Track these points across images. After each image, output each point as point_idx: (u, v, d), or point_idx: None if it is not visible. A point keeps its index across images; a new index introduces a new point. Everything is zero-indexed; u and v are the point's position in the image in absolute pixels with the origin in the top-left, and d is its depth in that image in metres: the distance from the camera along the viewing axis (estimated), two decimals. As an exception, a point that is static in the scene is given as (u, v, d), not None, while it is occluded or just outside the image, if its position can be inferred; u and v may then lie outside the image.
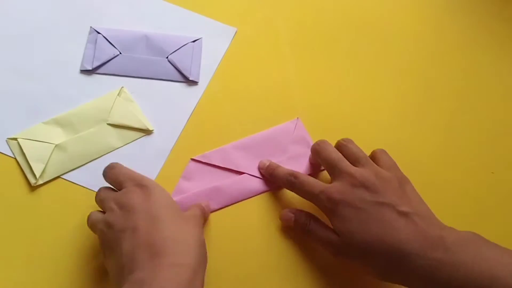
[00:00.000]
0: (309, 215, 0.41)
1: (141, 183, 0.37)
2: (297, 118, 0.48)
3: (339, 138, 0.43)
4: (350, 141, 0.42)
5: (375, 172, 0.39)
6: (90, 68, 0.48)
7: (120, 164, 0.40)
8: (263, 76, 0.50)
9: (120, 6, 0.51)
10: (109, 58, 0.48)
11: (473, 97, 0.51)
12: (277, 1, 0.54)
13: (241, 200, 0.44)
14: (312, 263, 0.42)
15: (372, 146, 0.43)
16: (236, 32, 0.52)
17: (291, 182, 0.41)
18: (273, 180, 0.44)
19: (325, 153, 0.41)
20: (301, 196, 0.41)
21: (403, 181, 0.39)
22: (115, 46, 0.49)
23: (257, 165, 0.45)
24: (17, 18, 0.50)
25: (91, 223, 0.38)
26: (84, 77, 0.48)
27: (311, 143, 0.46)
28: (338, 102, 0.49)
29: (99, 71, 0.48)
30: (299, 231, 0.42)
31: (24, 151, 0.44)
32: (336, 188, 0.38)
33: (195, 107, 0.48)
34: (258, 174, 0.45)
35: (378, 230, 0.36)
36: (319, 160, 0.42)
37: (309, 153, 0.46)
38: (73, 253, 0.41)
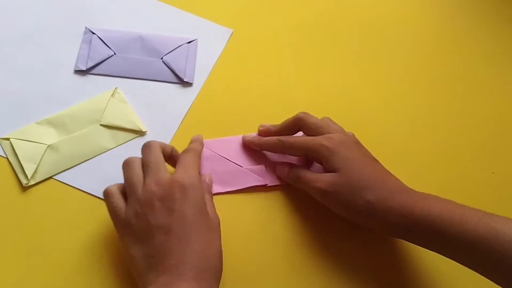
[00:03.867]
0: (301, 168, 0.43)
1: (181, 181, 0.37)
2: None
3: None
4: (306, 113, 0.43)
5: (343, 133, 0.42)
6: (84, 69, 0.48)
7: (158, 146, 0.40)
8: (260, 77, 0.50)
9: (115, 7, 0.51)
10: (104, 58, 0.48)
11: (473, 97, 0.51)
12: (275, 3, 0.54)
13: (236, 190, 0.44)
14: (312, 262, 0.42)
15: (372, 146, 0.43)
16: (232, 34, 0.51)
17: (281, 142, 0.42)
18: (265, 148, 0.45)
19: (312, 119, 0.42)
20: (295, 153, 0.43)
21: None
22: (110, 46, 0.49)
23: (253, 159, 0.45)
24: (12, 18, 0.50)
25: (111, 202, 0.38)
26: (78, 78, 0.48)
27: None
28: (337, 102, 0.49)
29: (93, 71, 0.48)
30: (292, 181, 0.43)
31: (16, 151, 0.44)
32: (332, 136, 0.40)
33: (189, 108, 0.47)
34: (254, 169, 0.45)
35: (373, 172, 0.39)
36: (303, 128, 0.43)
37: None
38: (65, 254, 0.41)
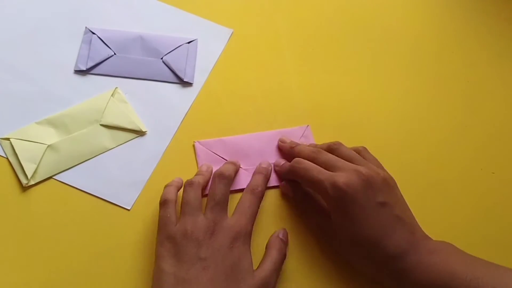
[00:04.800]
0: (306, 195, 0.42)
1: (236, 230, 0.38)
2: (307, 125, 0.47)
3: (339, 139, 0.43)
4: (341, 144, 0.42)
5: (375, 171, 0.39)
6: (84, 69, 0.48)
7: (231, 181, 0.41)
8: (260, 77, 0.50)
9: (115, 7, 0.51)
10: (104, 58, 0.48)
11: (473, 97, 0.51)
12: (275, 2, 0.54)
13: (236, 190, 0.44)
14: (313, 262, 0.42)
15: (372, 146, 0.43)
16: (232, 34, 0.51)
17: (294, 168, 0.41)
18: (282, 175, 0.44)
19: (323, 157, 0.40)
20: (303, 182, 0.41)
21: (393, 182, 0.40)
22: (110, 46, 0.49)
23: (252, 159, 0.45)
24: (12, 18, 0.50)
25: (165, 211, 0.39)
26: (78, 78, 0.48)
27: None
28: (337, 102, 0.49)
29: (93, 71, 0.48)
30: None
31: (16, 151, 0.44)
32: (342, 177, 0.37)
33: (189, 108, 0.47)
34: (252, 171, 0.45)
35: (372, 231, 0.36)
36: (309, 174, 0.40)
37: None
38: (65, 254, 0.41)
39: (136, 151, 0.45)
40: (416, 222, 0.39)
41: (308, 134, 0.47)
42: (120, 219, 0.42)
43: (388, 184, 0.38)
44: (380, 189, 0.37)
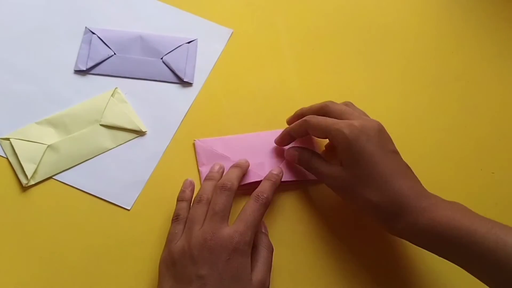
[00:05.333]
0: (312, 152, 0.43)
1: (235, 243, 0.36)
2: None
3: None
4: (353, 104, 0.43)
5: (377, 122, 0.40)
6: (84, 69, 0.48)
7: (233, 193, 0.40)
8: (260, 77, 0.50)
9: (115, 7, 0.51)
10: (104, 58, 0.48)
11: (473, 97, 0.51)
12: (275, 2, 0.54)
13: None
14: (314, 258, 0.42)
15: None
16: (232, 34, 0.51)
17: (306, 123, 0.41)
18: (292, 133, 0.44)
19: (337, 106, 0.41)
20: (317, 135, 0.41)
21: None
22: (110, 46, 0.49)
23: (253, 157, 0.45)
24: (12, 18, 0.50)
25: (174, 227, 0.39)
26: (78, 78, 0.48)
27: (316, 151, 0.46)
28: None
29: (93, 71, 0.48)
30: (303, 166, 0.43)
31: (16, 151, 0.44)
32: (358, 122, 0.39)
33: (189, 108, 0.47)
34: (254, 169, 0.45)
35: (386, 169, 0.37)
36: (329, 115, 0.41)
37: None
38: (65, 254, 0.41)
39: (136, 151, 0.45)
40: None
41: (308, 138, 0.47)
42: (120, 219, 0.42)
43: (380, 130, 0.40)
44: (390, 140, 0.40)
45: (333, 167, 0.40)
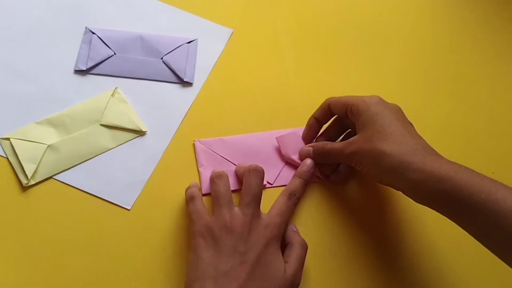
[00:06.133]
0: (323, 141, 0.44)
1: (276, 229, 0.38)
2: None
3: None
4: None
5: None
6: (84, 69, 0.48)
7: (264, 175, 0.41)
8: (260, 77, 0.50)
9: (115, 7, 0.51)
10: (104, 58, 0.48)
11: (472, 97, 0.51)
12: (275, 2, 0.54)
13: (236, 189, 0.44)
14: (316, 260, 0.42)
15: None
16: (232, 34, 0.51)
17: (327, 101, 0.43)
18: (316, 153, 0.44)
19: (339, 97, 0.43)
20: (338, 110, 0.42)
21: None
22: (110, 46, 0.49)
23: (252, 159, 0.45)
24: (12, 18, 0.50)
25: (197, 204, 0.40)
26: (78, 78, 0.48)
27: None
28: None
29: (93, 71, 0.48)
30: (319, 158, 0.43)
31: (16, 151, 0.44)
32: (374, 95, 0.41)
33: (189, 108, 0.47)
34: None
35: (401, 129, 0.38)
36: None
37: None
38: (65, 254, 0.41)
39: (136, 151, 0.45)
40: None
41: None
42: (120, 219, 0.42)
43: (398, 108, 0.41)
44: (406, 117, 0.41)
45: (350, 140, 0.40)
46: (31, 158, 0.43)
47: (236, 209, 0.38)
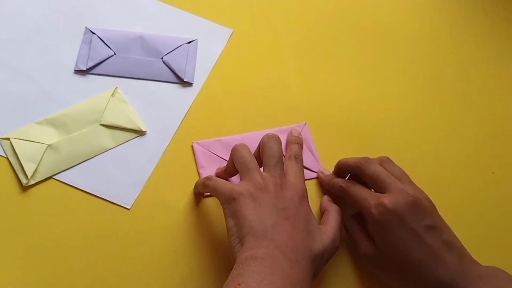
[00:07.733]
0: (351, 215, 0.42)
1: (301, 190, 0.38)
2: (305, 123, 0.47)
3: (340, 139, 0.44)
4: (390, 160, 0.42)
5: (421, 192, 0.39)
6: (84, 69, 0.48)
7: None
8: (260, 77, 0.50)
9: (115, 7, 0.51)
10: (104, 58, 0.48)
11: (473, 97, 0.51)
12: (275, 2, 0.54)
13: None
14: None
15: (370, 145, 0.43)
16: (232, 34, 0.51)
17: (343, 190, 0.42)
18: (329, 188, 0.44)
19: (372, 168, 0.40)
20: (350, 202, 0.41)
21: (433, 204, 0.40)
22: (110, 46, 0.49)
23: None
24: (12, 18, 0.50)
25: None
26: (78, 78, 0.48)
27: (314, 150, 0.46)
28: (337, 102, 0.49)
29: (93, 71, 0.48)
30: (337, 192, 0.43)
31: (16, 151, 0.44)
32: (389, 199, 0.37)
33: (189, 108, 0.47)
34: None
35: (420, 255, 0.36)
36: (362, 176, 0.41)
37: (309, 158, 0.45)
38: (65, 254, 0.41)
39: (136, 151, 0.45)
40: (464, 246, 0.38)
41: (306, 132, 0.47)
42: (120, 219, 0.42)
43: (434, 206, 0.39)
44: (428, 211, 0.37)
45: (365, 242, 0.40)
46: (31, 158, 0.43)
47: (263, 173, 0.38)
